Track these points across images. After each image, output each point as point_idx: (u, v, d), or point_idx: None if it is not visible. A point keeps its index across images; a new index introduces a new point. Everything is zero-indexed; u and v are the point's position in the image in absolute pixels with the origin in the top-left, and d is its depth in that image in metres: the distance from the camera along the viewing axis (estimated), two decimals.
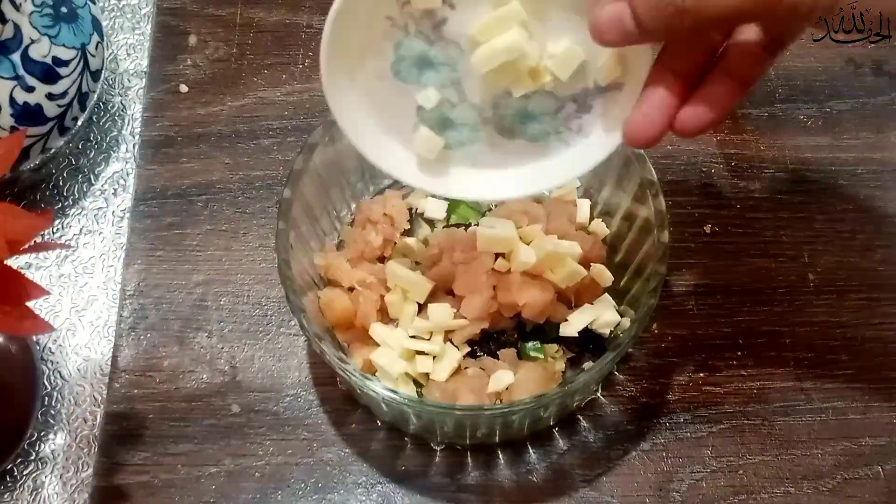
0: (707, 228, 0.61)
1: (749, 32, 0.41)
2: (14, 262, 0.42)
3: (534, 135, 0.44)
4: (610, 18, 0.38)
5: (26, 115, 0.55)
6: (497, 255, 0.54)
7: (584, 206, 0.58)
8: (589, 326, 0.54)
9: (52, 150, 0.58)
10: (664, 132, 0.40)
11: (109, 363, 0.57)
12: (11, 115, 0.54)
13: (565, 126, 0.44)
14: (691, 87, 0.40)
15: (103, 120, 0.65)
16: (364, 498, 0.54)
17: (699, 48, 0.40)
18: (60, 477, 0.55)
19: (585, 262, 0.55)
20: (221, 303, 0.59)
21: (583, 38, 0.39)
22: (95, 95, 0.59)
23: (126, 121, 0.65)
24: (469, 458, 0.55)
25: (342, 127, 0.43)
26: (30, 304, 0.43)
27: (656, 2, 0.36)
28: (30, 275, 0.58)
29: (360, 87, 0.42)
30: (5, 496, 0.54)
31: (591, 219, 0.58)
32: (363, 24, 0.39)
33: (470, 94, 0.43)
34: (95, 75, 0.59)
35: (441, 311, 0.53)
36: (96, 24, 0.59)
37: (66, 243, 0.61)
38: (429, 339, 0.54)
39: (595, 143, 0.44)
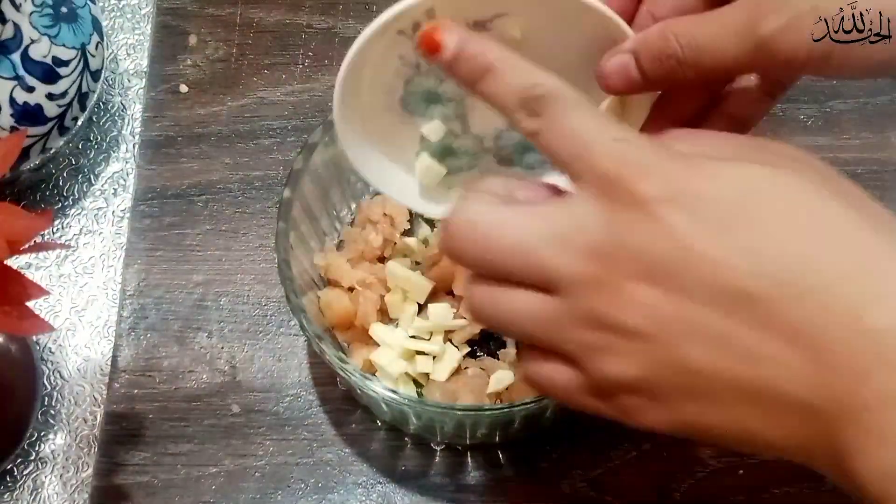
0: None
1: (750, 77, 0.42)
2: (14, 262, 0.42)
3: (530, 163, 0.45)
4: (617, 68, 0.39)
5: (26, 115, 0.55)
6: None
7: None
8: None
9: (52, 150, 0.58)
10: None
11: (109, 363, 0.57)
12: (11, 115, 0.54)
13: None
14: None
15: (103, 120, 0.65)
16: (364, 498, 0.54)
17: (699, 94, 0.42)
18: (60, 477, 0.55)
19: None
20: (221, 303, 0.59)
21: (586, 79, 0.40)
22: (95, 95, 0.59)
23: (126, 121, 0.65)
24: (469, 458, 0.55)
25: (349, 156, 0.44)
26: (30, 304, 0.43)
27: (658, 54, 0.38)
28: (30, 275, 0.58)
29: (369, 119, 0.43)
30: (5, 496, 0.54)
31: None
32: (376, 63, 0.40)
33: (473, 127, 0.44)
34: (95, 75, 0.59)
35: (441, 311, 0.53)
36: (96, 24, 0.59)
37: (66, 243, 0.61)
38: (429, 339, 0.53)
39: None
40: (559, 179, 0.45)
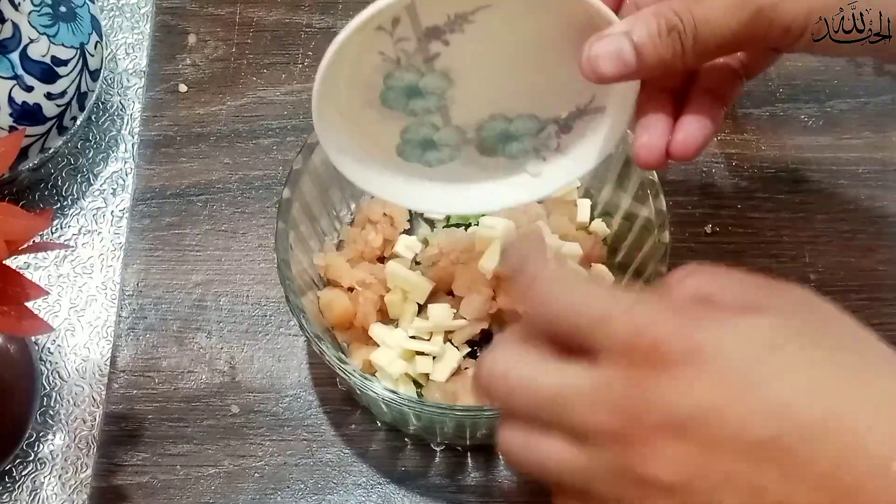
0: (708, 228, 0.61)
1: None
2: (13, 262, 0.42)
3: (513, 153, 0.45)
4: (608, 51, 0.38)
5: (25, 114, 0.55)
6: None
7: (584, 206, 0.57)
8: None
9: (51, 150, 0.58)
10: (666, 153, 0.42)
11: (108, 363, 0.57)
12: (10, 115, 0.54)
13: (544, 145, 0.45)
14: (679, 104, 0.42)
15: (102, 119, 0.65)
16: (364, 499, 0.54)
17: (678, 74, 0.42)
18: (59, 477, 0.55)
19: (586, 263, 0.55)
20: (221, 303, 0.58)
21: (569, 73, 0.40)
22: (94, 95, 0.59)
23: (125, 120, 0.65)
24: (469, 459, 0.55)
25: (327, 151, 0.43)
26: (29, 304, 0.43)
27: (659, 29, 0.38)
28: (29, 275, 0.58)
29: (347, 115, 0.42)
30: (4, 497, 0.54)
31: (592, 219, 0.58)
32: (355, 59, 0.39)
33: (455, 119, 0.43)
34: (94, 75, 0.59)
35: (441, 312, 0.53)
36: (95, 24, 0.59)
37: (65, 243, 0.61)
38: (428, 340, 0.53)
39: (572, 162, 0.45)
40: (541, 168, 0.45)
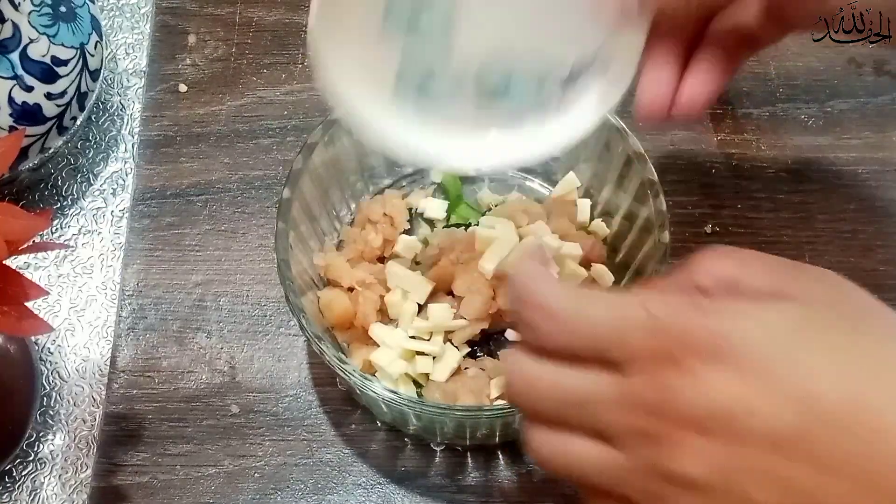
0: (708, 228, 0.61)
1: (747, 10, 0.42)
2: (13, 262, 0.42)
3: (512, 107, 0.44)
4: None
5: (25, 114, 0.55)
6: None
7: (584, 205, 0.57)
8: None
9: (51, 150, 0.58)
10: (670, 108, 0.41)
11: (108, 363, 0.57)
12: (10, 115, 0.54)
13: (547, 101, 0.44)
14: (685, 62, 0.41)
15: (102, 119, 0.65)
16: (364, 499, 0.54)
17: (690, 28, 0.41)
18: (59, 477, 0.55)
19: (586, 263, 0.55)
20: (220, 303, 0.59)
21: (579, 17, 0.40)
22: (94, 95, 0.59)
23: (125, 120, 0.65)
24: (469, 459, 0.55)
25: (323, 80, 0.42)
26: (29, 304, 0.43)
27: None
28: (28, 275, 0.58)
29: (346, 40, 0.41)
30: (4, 497, 0.54)
31: (592, 219, 0.58)
32: None
33: (456, 51, 0.42)
34: (94, 75, 0.59)
35: (441, 312, 0.53)
36: (95, 24, 0.59)
37: (65, 243, 0.61)
38: (428, 340, 0.53)
39: (574, 121, 0.44)
40: (541, 127, 0.45)
